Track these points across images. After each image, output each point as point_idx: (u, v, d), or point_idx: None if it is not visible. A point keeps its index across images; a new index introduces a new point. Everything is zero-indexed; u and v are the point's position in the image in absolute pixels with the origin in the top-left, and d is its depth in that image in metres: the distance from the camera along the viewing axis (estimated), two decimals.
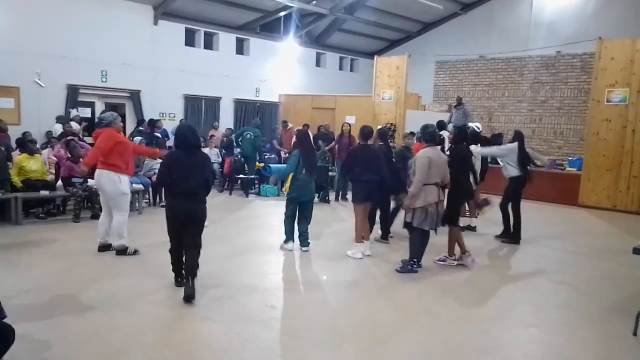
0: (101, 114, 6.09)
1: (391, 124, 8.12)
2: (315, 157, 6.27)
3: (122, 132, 6.50)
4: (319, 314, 4.37)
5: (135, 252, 5.79)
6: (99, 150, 5.68)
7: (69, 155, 7.88)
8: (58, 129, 10.35)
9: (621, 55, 10.18)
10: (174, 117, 13.54)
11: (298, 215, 6.20)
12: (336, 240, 6.83)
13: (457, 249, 5.91)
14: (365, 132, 6.22)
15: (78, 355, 3.41)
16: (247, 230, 7.48)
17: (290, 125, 13.18)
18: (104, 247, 5.87)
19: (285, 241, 6.30)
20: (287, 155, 10.28)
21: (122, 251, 5.74)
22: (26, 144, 8.06)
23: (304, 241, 6.21)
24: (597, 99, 10.50)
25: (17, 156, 7.97)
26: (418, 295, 4.91)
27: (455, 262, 5.83)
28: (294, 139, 8.68)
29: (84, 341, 3.61)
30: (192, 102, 13.98)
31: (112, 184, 5.64)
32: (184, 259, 4.61)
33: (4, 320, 3.10)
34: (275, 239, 6.80)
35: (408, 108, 13.23)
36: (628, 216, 9.72)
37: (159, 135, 11.26)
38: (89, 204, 7.93)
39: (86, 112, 12.05)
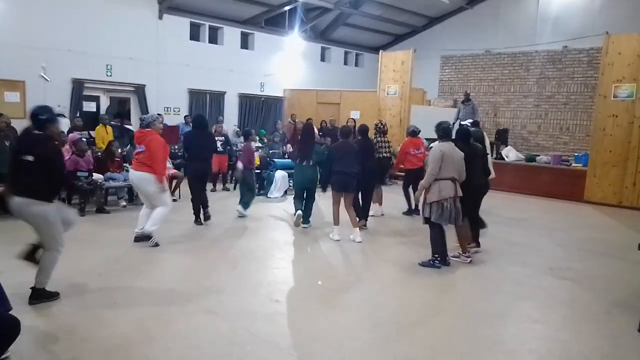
0: (146, 113, 6.42)
1: (380, 121, 8.39)
2: (310, 148, 7.05)
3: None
4: (322, 309, 4.38)
5: (156, 244, 5.89)
6: (163, 162, 5.89)
7: (74, 149, 7.90)
8: None
9: (628, 50, 10.08)
10: (178, 111, 13.57)
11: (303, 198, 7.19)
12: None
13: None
14: (344, 130, 7.16)
15: (83, 348, 3.43)
16: (251, 226, 7.47)
17: (297, 120, 13.17)
18: (141, 238, 5.97)
19: (295, 211, 7.10)
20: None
21: (147, 237, 5.87)
22: None
23: (305, 219, 7.14)
24: (604, 94, 10.41)
25: None
26: (422, 290, 4.91)
27: (469, 260, 5.75)
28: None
29: (90, 334, 3.63)
30: (196, 97, 13.98)
31: (154, 186, 5.79)
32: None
33: (9, 312, 3.13)
34: (279, 235, 6.86)
35: (413, 103, 13.20)
36: (634, 212, 9.65)
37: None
38: (94, 198, 7.95)
39: (91, 106, 12.10)
